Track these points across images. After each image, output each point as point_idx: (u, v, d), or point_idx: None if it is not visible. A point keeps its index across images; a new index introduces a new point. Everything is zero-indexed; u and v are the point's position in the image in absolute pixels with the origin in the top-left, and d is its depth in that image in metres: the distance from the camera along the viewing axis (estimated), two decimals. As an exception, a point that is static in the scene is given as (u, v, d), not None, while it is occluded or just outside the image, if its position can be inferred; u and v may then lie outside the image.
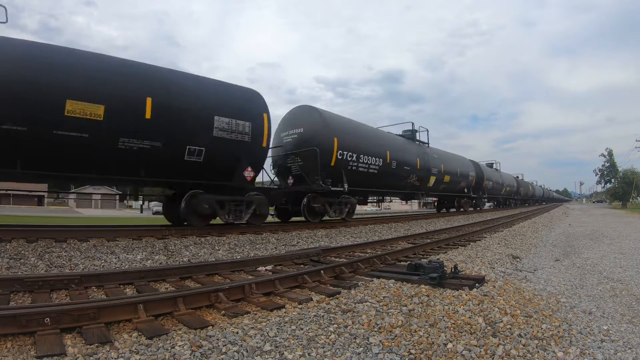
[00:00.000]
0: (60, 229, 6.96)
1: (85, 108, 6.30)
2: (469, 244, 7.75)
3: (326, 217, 11.40)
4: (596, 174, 63.72)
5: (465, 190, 21.42)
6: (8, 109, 5.76)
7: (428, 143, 17.63)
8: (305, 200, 10.50)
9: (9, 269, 4.40)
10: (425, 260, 5.08)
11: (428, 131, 17.58)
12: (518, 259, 6.81)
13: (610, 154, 60.22)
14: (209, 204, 8.04)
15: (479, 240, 8.51)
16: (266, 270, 4.90)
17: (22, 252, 5.17)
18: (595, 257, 7.67)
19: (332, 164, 10.78)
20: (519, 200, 38.25)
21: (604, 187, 68.57)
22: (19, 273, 4.21)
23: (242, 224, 8.85)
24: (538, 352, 2.65)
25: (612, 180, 60.30)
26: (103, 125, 6.48)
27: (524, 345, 2.70)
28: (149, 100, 7.00)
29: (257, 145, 8.75)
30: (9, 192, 7.42)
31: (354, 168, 11.61)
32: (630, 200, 54.66)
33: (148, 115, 6.99)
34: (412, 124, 17.07)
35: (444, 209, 22.23)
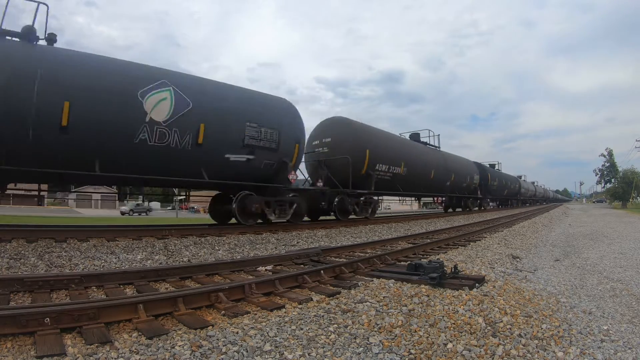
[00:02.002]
0: (60, 229, 6.96)
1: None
2: (469, 244, 7.75)
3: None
4: (596, 174, 63.72)
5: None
6: None
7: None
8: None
9: (9, 269, 4.39)
10: (425, 260, 5.08)
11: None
12: (518, 259, 6.81)
13: (610, 154, 60.20)
14: None
15: (479, 240, 8.50)
16: (266, 270, 4.90)
17: (22, 252, 5.17)
18: (595, 257, 7.67)
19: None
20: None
21: (604, 187, 68.52)
22: (19, 273, 4.21)
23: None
24: (538, 352, 2.65)
25: (612, 180, 60.26)
26: None
27: (524, 345, 2.70)
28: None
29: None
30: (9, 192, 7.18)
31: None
32: (630, 200, 54.62)
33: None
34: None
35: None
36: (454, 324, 2.95)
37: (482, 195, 24.36)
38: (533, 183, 53.02)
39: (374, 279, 4.25)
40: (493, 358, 2.51)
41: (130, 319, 2.75)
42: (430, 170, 16.38)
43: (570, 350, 2.72)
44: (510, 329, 2.94)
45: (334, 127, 12.32)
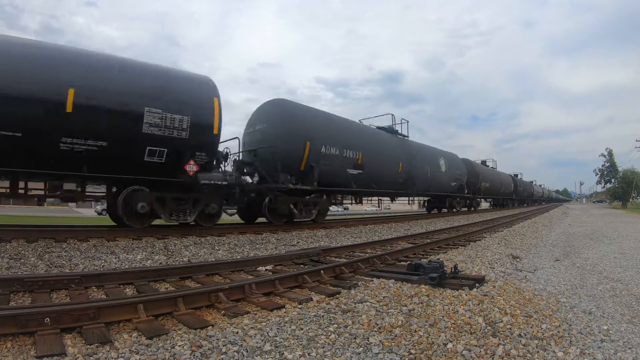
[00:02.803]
0: (60, 229, 6.97)
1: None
2: (469, 244, 7.75)
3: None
4: (596, 174, 63.69)
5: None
6: None
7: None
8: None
9: (9, 269, 4.40)
10: (425, 260, 5.08)
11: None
12: (518, 259, 6.80)
13: (610, 154, 60.19)
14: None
15: (479, 240, 8.50)
16: (266, 270, 4.90)
17: (22, 252, 5.18)
18: (595, 257, 7.67)
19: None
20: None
21: (604, 187, 68.49)
22: (19, 273, 4.22)
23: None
24: (538, 352, 2.65)
25: (612, 180, 60.24)
26: None
27: (524, 345, 2.70)
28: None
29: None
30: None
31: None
32: (630, 200, 54.61)
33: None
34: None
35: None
36: (454, 324, 2.94)
37: (514, 197, 34.94)
38: (540, 186, 62.54)
39: (374, 279, 4.25)
40: (493, 358, 2.51)
41: (130, 319, 2.76)
42: (495, 183, 26.90)
43: (570, 350, 2.72)
44: (510, 329, 2.94)
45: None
